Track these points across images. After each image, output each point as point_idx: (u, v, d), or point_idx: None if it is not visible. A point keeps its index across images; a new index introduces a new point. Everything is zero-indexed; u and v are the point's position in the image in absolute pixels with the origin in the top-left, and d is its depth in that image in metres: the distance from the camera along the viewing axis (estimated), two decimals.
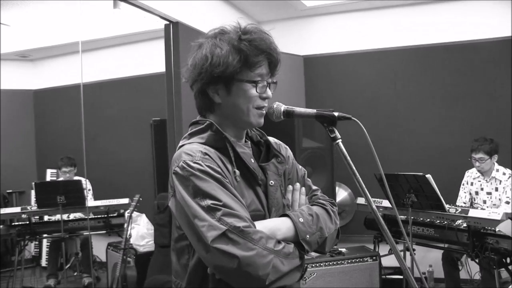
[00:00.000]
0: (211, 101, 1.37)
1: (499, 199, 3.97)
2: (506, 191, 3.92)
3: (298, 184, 1.49)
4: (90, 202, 4.74)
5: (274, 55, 1.35)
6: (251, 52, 1.30)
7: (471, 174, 4.19)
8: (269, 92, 1.37)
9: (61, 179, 5.25)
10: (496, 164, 4.01)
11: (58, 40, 5.44)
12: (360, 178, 1.32)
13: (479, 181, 4.11)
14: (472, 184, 4.17)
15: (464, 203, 4.18)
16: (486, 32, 4.61)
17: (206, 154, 1.29)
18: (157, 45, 4.24)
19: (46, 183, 5.25)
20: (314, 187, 1.56)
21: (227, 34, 1.34)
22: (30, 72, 6.35)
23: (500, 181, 3.97)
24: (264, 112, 1.39)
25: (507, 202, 3.88)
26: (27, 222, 4.50)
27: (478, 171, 4.05)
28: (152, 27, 4.65)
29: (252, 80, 1.33)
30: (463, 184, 4.25)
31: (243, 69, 1.31)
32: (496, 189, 4.00)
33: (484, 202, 4.05)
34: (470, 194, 4.19)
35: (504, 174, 3.98)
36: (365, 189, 1.32)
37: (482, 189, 4.08)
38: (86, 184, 5.21)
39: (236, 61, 1.29)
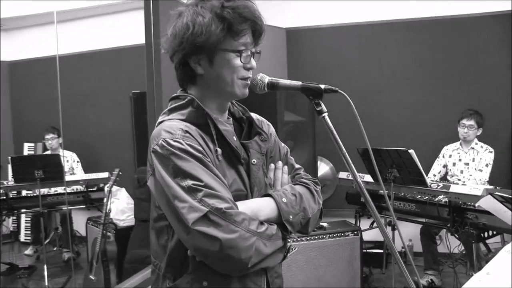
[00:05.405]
0: (193, 73, 1.31)
1: (475, 169, 4.16)
2: (480, 162, 4.13)
3: (280, 163, 1.45)
4: (69, 176, 4.66)
5: (258, 23, 1.29)
6: (235, 20, 1.24)
7: (449, 147, 4.37)
8: (253, 62, 1.32)
9: (48, 152, 5.13)
10: (476, 138, 4.23)
11: (32, 9, 5.26)
12: (346, 153, 1.29)
13: (458, 152, 4.30)
14: (450, 156, 4.33)
15: (434, 175, 4.40)
16: (477, 7, 4.57)
17: (187, 132, 1.23)
18: (137, 15, 4.12)
19: (23, 157, 5.13)
20: (297, 166, 1.53)
21: (209, 2, 1.27)
22: (4, 42, 6.14)
23: (478, 151, 4.18)
24: (249, 82, 1.33)
25: (480, 170, 4.10)
26: (4, 198, 4.41)
27: (463, 138, 4.21)
28: None
29: (236, 50, 1.27)
30: (438, 158, 4.43)
31: (227, 38, 1.25)
32: (473, 160, 4.20)
33: (461, 172, 4.23)
34: (446, 166, 4.37)
35: (482, 147, 4.19)
36: (351, 163, 1.29)
37: (460, 159, 4.28)
38: (72, 156, 5.15)
39: (219, 30, 1.23)
